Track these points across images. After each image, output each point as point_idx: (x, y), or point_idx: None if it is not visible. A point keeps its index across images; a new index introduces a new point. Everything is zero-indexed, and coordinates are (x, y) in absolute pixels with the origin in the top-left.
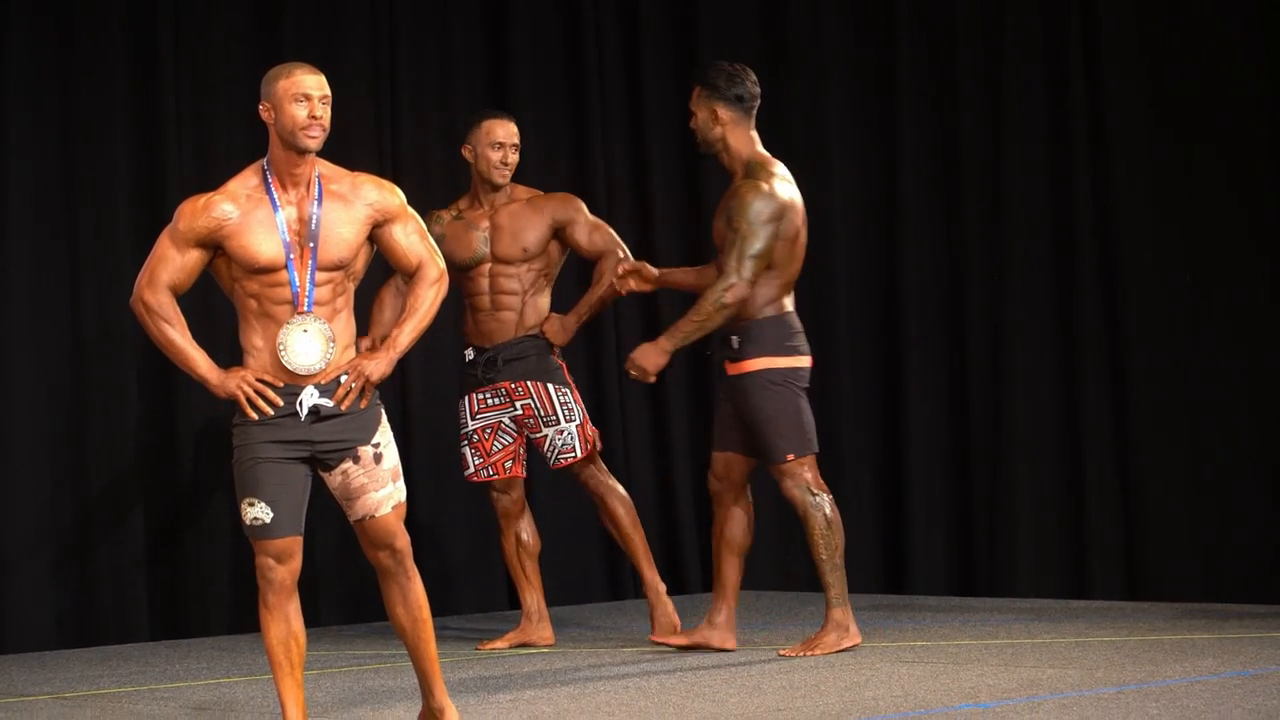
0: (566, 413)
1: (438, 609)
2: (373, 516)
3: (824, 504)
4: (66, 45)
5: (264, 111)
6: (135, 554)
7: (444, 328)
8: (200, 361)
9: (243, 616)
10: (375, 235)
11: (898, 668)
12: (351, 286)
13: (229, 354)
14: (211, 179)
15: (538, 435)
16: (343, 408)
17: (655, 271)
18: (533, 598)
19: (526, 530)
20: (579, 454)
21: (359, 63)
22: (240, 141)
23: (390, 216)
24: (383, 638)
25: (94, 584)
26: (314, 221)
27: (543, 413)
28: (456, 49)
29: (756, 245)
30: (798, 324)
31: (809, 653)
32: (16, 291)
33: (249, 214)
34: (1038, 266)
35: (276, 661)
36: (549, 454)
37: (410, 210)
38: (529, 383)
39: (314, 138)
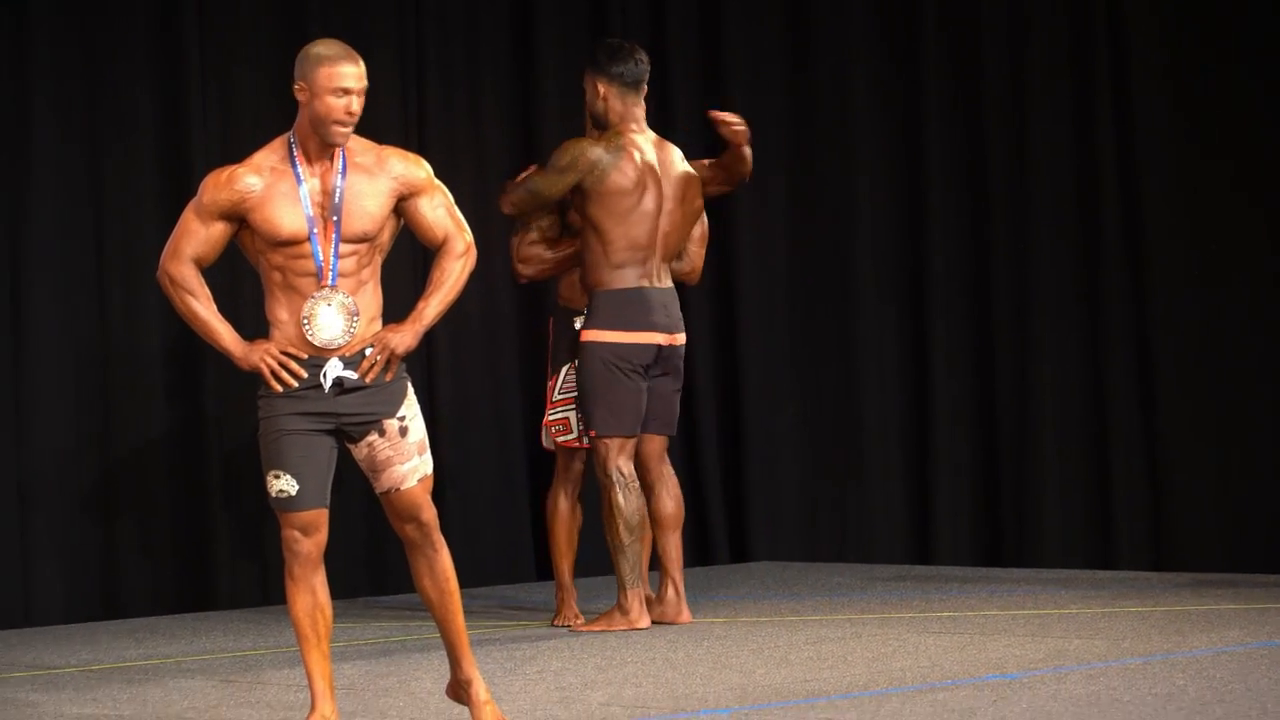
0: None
1: (465, 580)
2: (399, 489)
3: (619, 488)
4: (92, 13)
5: (299, 91)
6: (162, 526)
7: (470, 299)
8: (224, 334)
9: (270, 589)
10: (401, 208)
11: (924, 639)
12: (378, 259)
13: (254, 328)
14: (236, 145)
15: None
16: (367, 380)
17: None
18: (567, 568)
19: (578, 503)
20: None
21: (384, 31)
22: (266, 103)
23: (416, 189)
24: (410, 610)
25: (121, 556)
26: (338, 194)
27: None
28: (482, 17)
29: (535, 182)
30: (644, 300)
31: (591, 629)
32: (43, 265)
33: (273, 186)
34: (1063, 241)
35: (303, 634)
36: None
37: (438, 183)
38: None
39: (344, 133)
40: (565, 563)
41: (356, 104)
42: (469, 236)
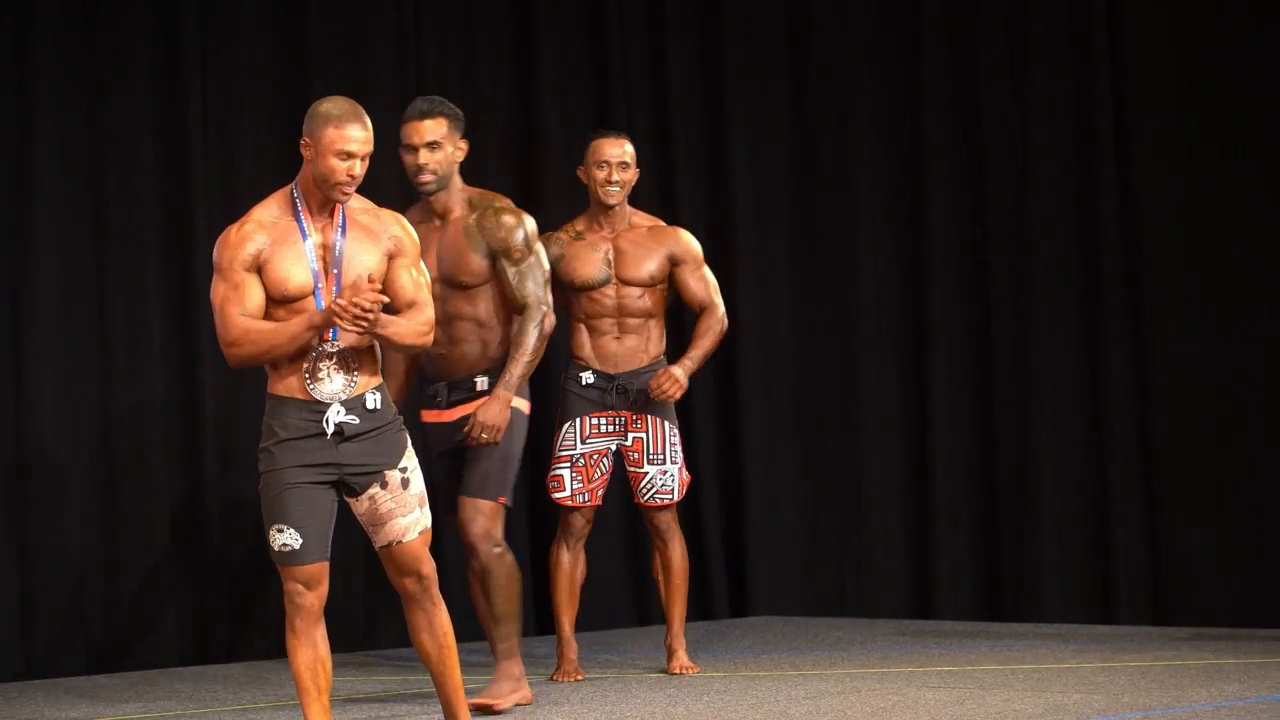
0: (673, 454)
1: (462, 635)
2: (399, 542)
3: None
4: (92, 52)
5: (304, 146)
6: (163, 579)
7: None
8: (296, 322)
9: (270, 642)
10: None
11: (924, 693)
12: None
13: (254, 381)
14: (237, 186)
15: (637, 470)
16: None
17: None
18: (568, 622)
19: (581, 556)
20: (675, 497)
21: (385, 62)
22: (266, 146)
23: (401, 251)
24: (408, 662)
25: (122, 609)
26: (338, 249)
27: (652, 450)
28: (481, 47)
29: None
30: None
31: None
32: (44, 307)
33: (279, 241)
34: (1064, 295)
35: (304, 687)
36: (644, 490)
37: (418, 258)
38: (650, 417)
39: (347, 194)
40: (566, 617)
41: (359, 167)
42: (430, 312)
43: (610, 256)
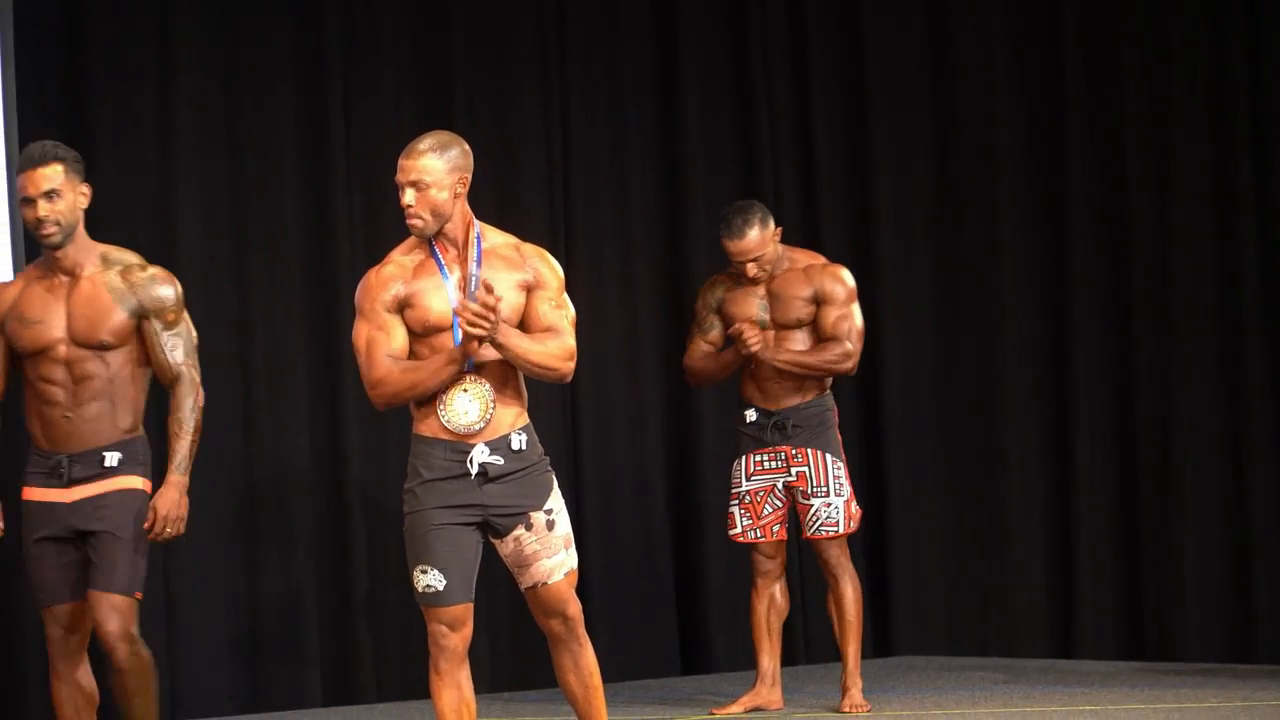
0: (837, 486)
1: (608, 675)
2: (545, 584)
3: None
4: (234, 96)
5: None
6: (307, 619)
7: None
8: (442, 356)
9: (413, 682)
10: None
11: None
12: None
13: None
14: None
15: (805, 503)
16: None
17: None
18: (769, 661)
19: (780, 592)
20: (841, 530)
21: (530, 108)
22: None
23: (540, 283)
24: (553, 704)
25: (267, 650)
26: (474, 281)
27: (815, 483)
28: (627, 88)
29: None
30: None
31: None
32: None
33: (420, 277)
34: (1204, 330)
35: None
36: (810, 523)
37: (563, 294)
38: (809, 450)
39: (411, 223)
40: (763, 655)
41: (410, 196)
42: (572, 343)
43: (766, 301)
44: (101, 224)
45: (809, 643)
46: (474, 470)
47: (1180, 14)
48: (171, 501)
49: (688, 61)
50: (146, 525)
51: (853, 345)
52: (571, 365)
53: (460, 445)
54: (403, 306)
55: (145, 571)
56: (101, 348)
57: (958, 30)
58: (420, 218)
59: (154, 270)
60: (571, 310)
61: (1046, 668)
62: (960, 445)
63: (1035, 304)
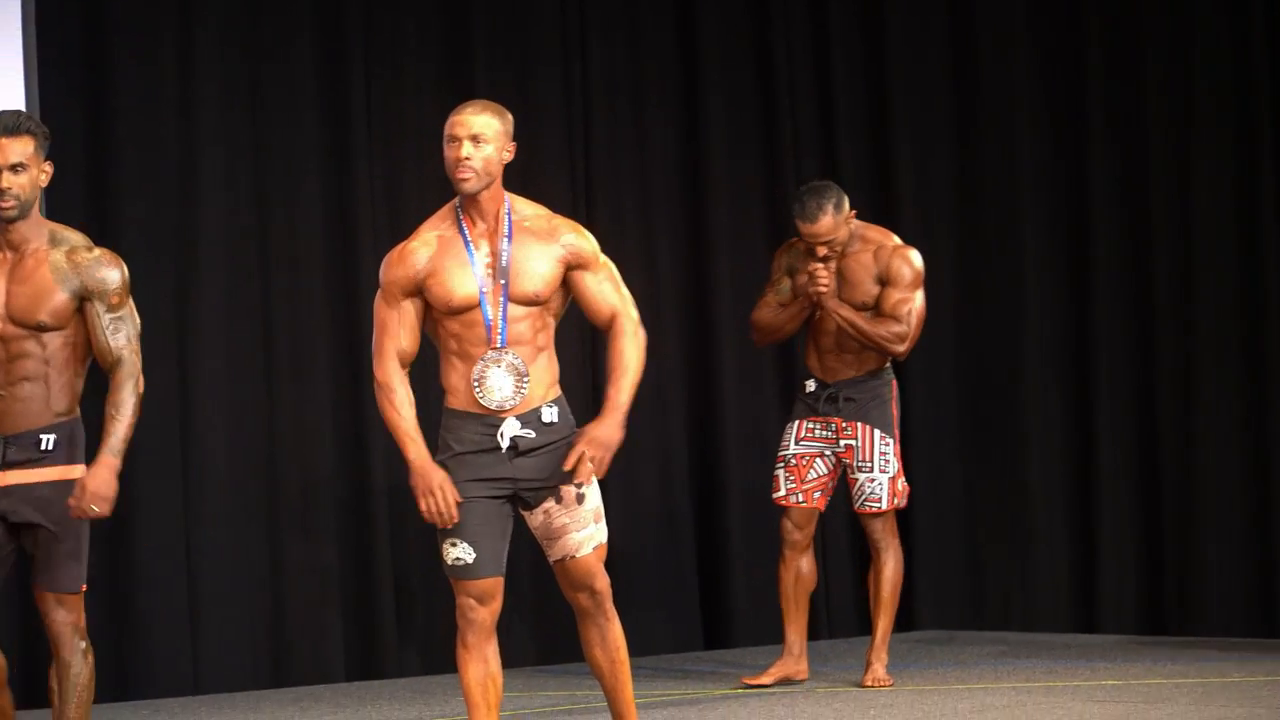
0: (883, 463)
1: (634, 649)
2: (573, 557)
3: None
4: (255, 67)
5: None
6: (329, 594)
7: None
8: (412, 449)
9: (436, 656)
10: (568, 279)
11: (1089, 706)
12: (552, 323)
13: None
14: (402, 211)
15: (853, 476)
16: (585, 483)
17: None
18: (796, 633)
19: (808, 565)
20: (884, 506)
21: (550, 99)
22: (431, 175)
23: (584, 262)
24: (577, 678)
25: (288, 625)
26: (504, 256)
27: (861, 457)
28: (649, 73)
29: None
30: None
31: None
32: (209, 332)
33: (444, 254)
34: (1225, 304)
35: (474, 703)
36: (856, 496)
37: (604, 258)
38: (859, 425)
39: (464, 180)
40: (791, 626)
41: (468, 148)
42: (635, 313)
43: (833, 279)
44: (122, 197)
45: (831, 617)
46: (505, 444)
47: (1203, 11)
48: (103, 481)
49: (709, 56)
50: (71, 501)
51: (909, 328)
52: (643, 332)
53: (491, 419)
54: (421, 287)
55: (87, 559)
56: (39, 328)
57: (980, 28)
58: (473, 170)
59: (100, 252)
60: (613, 269)
61: (1069, 642)
62: (982, 421)
63: (1058, 291)
